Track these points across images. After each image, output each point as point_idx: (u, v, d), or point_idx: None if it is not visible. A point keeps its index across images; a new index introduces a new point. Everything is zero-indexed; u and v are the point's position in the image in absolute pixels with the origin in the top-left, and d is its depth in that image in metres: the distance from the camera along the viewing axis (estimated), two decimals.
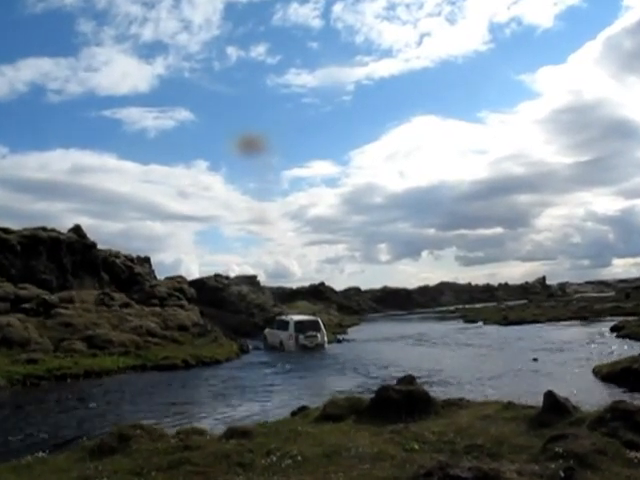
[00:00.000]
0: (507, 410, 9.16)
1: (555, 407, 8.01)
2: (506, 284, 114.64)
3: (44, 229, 37.23)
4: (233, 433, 8.78)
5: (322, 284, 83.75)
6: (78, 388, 20.05)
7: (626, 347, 23.76)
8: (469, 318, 55.28)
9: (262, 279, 60.02)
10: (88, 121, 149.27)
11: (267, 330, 34.70)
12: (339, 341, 37.61)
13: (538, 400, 8.70)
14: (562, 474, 5.30)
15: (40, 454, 8.47)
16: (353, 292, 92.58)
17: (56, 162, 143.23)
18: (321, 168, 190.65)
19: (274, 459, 7.27)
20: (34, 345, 25.11)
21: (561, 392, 8.90)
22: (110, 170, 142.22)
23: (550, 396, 8.17)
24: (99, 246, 40.69)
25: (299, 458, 7.24)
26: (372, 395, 10.76)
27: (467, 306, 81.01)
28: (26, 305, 29.63)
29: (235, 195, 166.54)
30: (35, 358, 23.10)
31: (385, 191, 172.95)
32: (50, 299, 30.74)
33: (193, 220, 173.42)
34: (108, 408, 16.26)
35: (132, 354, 26.44)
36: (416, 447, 7.67)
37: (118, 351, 26.45)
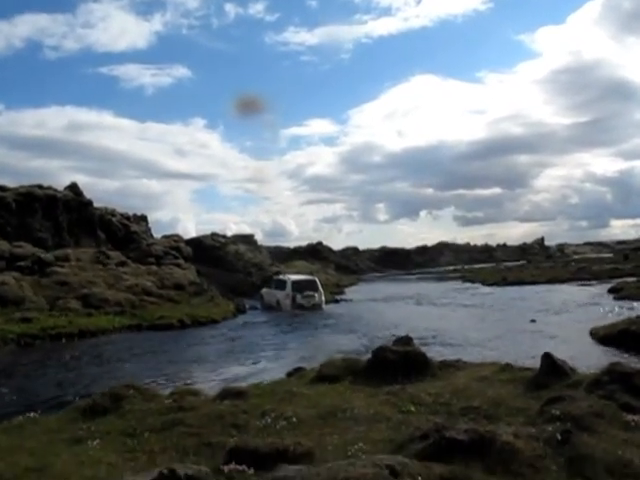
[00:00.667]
0: (504, 372, 9.11)
1: (552, 369, 7.94)
2: (504, 245, 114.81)
3: (40, 187, 36.69)
4: (227, 394, 8.71)
5: (320, 244, 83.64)
6: (73, 348, 19.98)
7: (624, 309, 23.72)
8: (468, 278, 55.30)
9: (259, 238, 59.92)
10: (85, 78, 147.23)
11: (264, 290, 34.62)
12: (337, 301, 37.58)
13: (535, 362, 8.65)
14: (559, 437, 5.20)
15: (32, 414, 8.40)
16: (351, 252, 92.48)
17: (52, 119, 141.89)
18: (319, 127, 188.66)
19: (269, 420, 7.21)
20: (29, 304, 24.92)
21: (559, 354, 8.83)
22: (107, 127, 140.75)
23: (547, 358, 8.09)
24: (95, 204, 40.22)
25: (294, 419, 7.18)
26: (369, 356, 10.71)
27: (466, 266, 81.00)
28: (21, 263, 29.35)
29: (232, 153, 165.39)
30: (29, 317, 22.89)
31: (383, 150, 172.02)
32: (45, 257, 30.44)
33: (190, 178, 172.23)
34: (103, 368, 16.21)
35: (128, 313, 26.30)
36: (412, 409, 7.62)
37: (114, 310, 26.33)
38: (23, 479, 5.61)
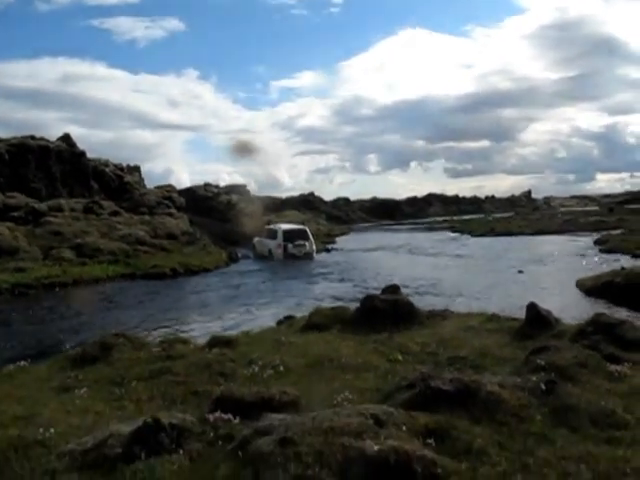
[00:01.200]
0: (491, 322, 9.15)
1: (538, 319, 7.97)
2: (493, 197, 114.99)
3: (33, 138, 36.21)
4: (216, 342, 8.73)
5: (312, 194, 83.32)
6: (66, 297, 20.00)
7: (609, 261, 23.82)
8: (457, 229, 55.32)
9: (252, 188, 59.35)
10: (77, 30, 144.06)
11: (256, 239, 34.55)
12: (328, 250, 37.60)
13: (522, 312, 8.66)
14: (543, 387, 5.22)
15: (22, 363, 8.40)
16: (342, 202, 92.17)
17: (45, 71, 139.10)
18: (310, 79, 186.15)
19: (256, 369, 7.23)
20: (23, 254, 24.93)
21: (545, 304, 8.87)
22: (100, 79, 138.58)
23: (533, 308, 8.10)
24: (89, 155, 39.90)
25: (281, 368, 7.20)
26: (358, 304, 10.72)
27: (455, 217, 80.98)
28: (15, 214, 29.27)
29: (225, 104, 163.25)
30: (24, 267, 22.94)
31: (374, 103, 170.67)
32: (39, 207, 30.32)
33: (183, 129, 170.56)
34: (95, 317, 16.23)
35: (121, 262, 26.33)
36: (399, 358, 7.64)
37: (107, 259, 26.35)
38: (11, 427, 5.58)
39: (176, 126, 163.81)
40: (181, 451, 4.57)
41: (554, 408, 4.97)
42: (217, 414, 5.12)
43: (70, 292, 21.12)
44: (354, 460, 4.00)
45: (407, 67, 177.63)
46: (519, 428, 4.74)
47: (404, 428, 4.52)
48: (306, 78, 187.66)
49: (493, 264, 26.02)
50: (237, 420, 5.08)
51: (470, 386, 5.13)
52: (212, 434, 4.86)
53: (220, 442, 4.73)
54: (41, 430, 5.17)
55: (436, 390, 5.22)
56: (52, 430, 5.26)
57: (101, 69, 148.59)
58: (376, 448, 4.04)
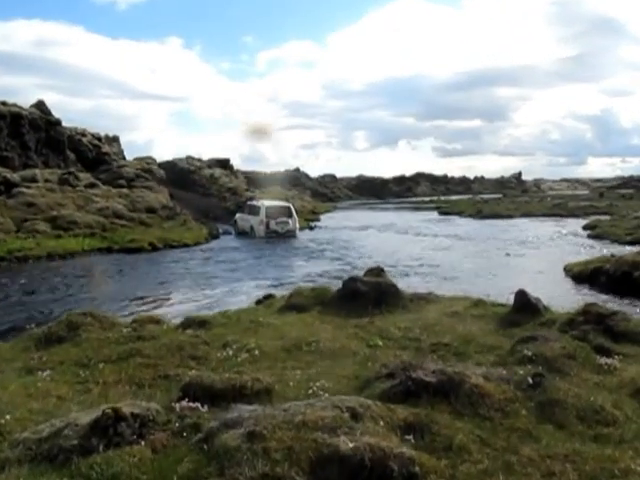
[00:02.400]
0: (476, 307, 8.91)
1: (526, 307, 7.74)
2: (482, 177, 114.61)
3: (4, 103, 34.64)
4: (190, 323, 8.43)
5: (297, 170, 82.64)
6: (39, 270, 19.49)
7: (598, 246, 23.71)
8: (444, 210, 55.06)
9: (236, 163, 58.47)
10: None
11: (238, 215, 34.10)
12: (311, 228, 37.27)
13: (508, 298, 8.43)
14: (530, 380, 4.99)
15: None
16: (328, 179, 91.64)
17: (19, 33, 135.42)
18: (298, 49, 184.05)
19: (230, 352, 6.94)
20: None
21: (531, 289, 8.64)
22: (77, 43, 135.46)
23: (521, 295, 7.87)
24: (66, 124, 38.56)
25: (256, 352, 6.91)
26: (339, 286, 10.45)
27: (442, 197, 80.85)
28: None
29: (210, 75, 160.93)
30: None
31: (364, 77, 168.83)
32: (12, 178, 29.27)
33: (165, 100, 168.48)
34: (67, 292, 15.79)
35: (98, 236, 25.76)
36: (380, 343, 7.39)
37: (83, 233, 25.71)
38: None
39: (158, 96, 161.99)
40: (143, 442, 4.28)
41: (540, 403, 4.76)
42: (184, 403, 4.83)
43: (43, 265, 20.58)
44: (327, 458, 3.73)
45: (399, 40, 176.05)
46: (503, 423, 4.53)
47: (382, 423, 4.26)
48: (294, 48, 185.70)
49: (480, 246, 25.82)
50: (205, 409, 4.80)
51: (453, 378, 4.88)
52: (178, 424, 4.56)
53: (186, 433, 4.45)
54: None
55: (417, 381, 4.97)
56: (9, 416, 4.94)
57: (79, 33, 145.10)
58: (351, 445, 3.78)
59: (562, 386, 4.97)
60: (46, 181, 30.68)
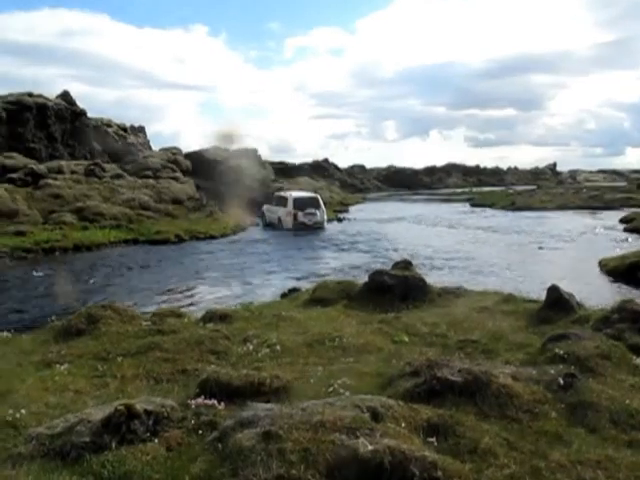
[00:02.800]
0: (507, 303, 8.61)
1: (558, 303, 7.44)
2: (515, 168, 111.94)
3: (30, 95, 34.81)
4: (212, 316, 8.32)
5: (326, 160, 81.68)
6: (66, 262, 19.65)
7: (635, 240, 23.00)
8: (476, 201, 54.09)
9: (264, 154, 57.98)
10: None
11: (265, 206, 33.96)
12: (340, 220, 36.98)
13: (540, 294, 8.13)
14: (561, 381, 4.74)
15: (5, 334, 8.02)
16: (358, 170, 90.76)
17: (44, 23, 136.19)
18: (326, 36, 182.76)
19: (250, 347, 6.81)
20: (22, 217, 24.37)
21: (564, 284, 8.35)
22: (103, 33, 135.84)
23: (554, 291, 7.56)
24: (92, 115, 38.76)
25: (277, 347, 6.76)
26: (366, 279, 10.24)
27: (474, 189, 79.56)
28: (13, 175, 28.37)
29: (236, 64, 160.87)
30: (23, 230, 22.46)
31: (394, 64, 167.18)
32: (38, 169, 29.41)
33: (192, 89, 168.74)
34: (93, 284, 15.86)
35: (124, 227, 25.83)
36: (406, 339, 7.18)
37: (109, 224, 25.83)
38: None
39: (184, 86, 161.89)
40: (157, 440, 4.16)
41: (571, 405, 4.52)
42: (200, 400, 4.70)
43: (70, 257, 20.76)
44: (344, 460, 3.55)
45: (430, 26, 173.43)
46: (532, 426, 4.31)
47: (404, 424, 4.07)
48: (322, 35, 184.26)
49: (512, 239, 25.31)
50: (222, 406, 4.67)
51: (480, 378, 4.66)
52: (193, 421, 4.45)
53: (201, 431, 4.33)
54: (11, 411, 4.78)
55: (442, 380, 4.76)
56: (24, 410, 4.88)
57: (103, 22, 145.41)
58: (370, 447, 3.59)
59: (595, 387, 4.73)
60: (72, 172, 30.77)
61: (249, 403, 4.45)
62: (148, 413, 4.25)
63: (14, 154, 30.63)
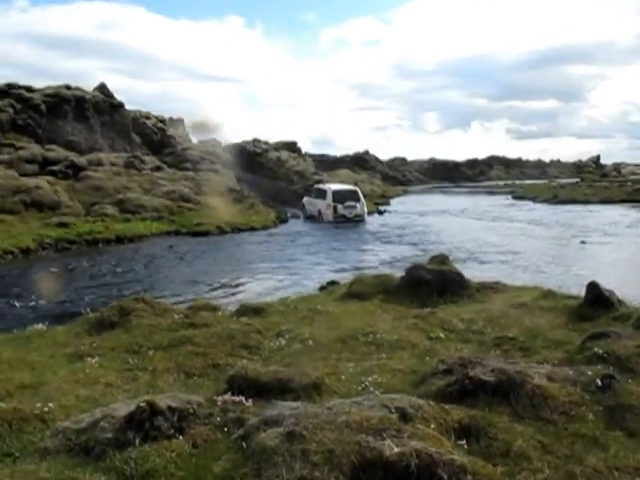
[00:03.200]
0: (546, 299, 8.34)
1: (598, 300, 7.14)
2: (558, 161, 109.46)
3: (68, 87, 35.03)
4: (246, 310, 8.29)
5: (366, 153, 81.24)
6: (108, 253, 19.98)
7: None
8: (518, 194, 53.26)
9: (305, 146, 57.99)
10: None
11: (306, 199, 33.97)
12: (380, 212, 36.78)
13: (581, 289, 7.84)
14: (599, 382, 4.52)
15: (40, 326, 8.14)
16: (399, 162, 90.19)
17: (81, 16, 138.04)
18: (362, 27, 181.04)
19: (282, 342, 6.76)
20: (65, 209, 24.77)
21: (607, 280, 8.09)
22: (140, 25, 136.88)
23: (593, 288, 7.26)
24: (133, 107, 39.29)
25: (310, 343, 6.69)
26: (403, 274, 10.09)
27: (517, 182, 78.18)
28: (54, 167, 28.68)
29: (273, 55, 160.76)
30: (66, 222, 22.87)
31: (434, 56, 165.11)
32: (79, 161, 29.73)
33: (230, 81, 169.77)
34: (137, 275, 16.11)
35: (165, 219, 26.22)
36: (441, 335, 7.03)
37: (151, 216, 26.20)
38: (15, 397, 5.27)
39: (222, 78, 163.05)
40: (182, 437, 4.11)
41: (609, 407, 4.31)
42: (227, 396, 4.63)
43: (113, 248, 21.14)
44: (370, 463, 3.43)
45: (469, 17, 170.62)
46: (567, 429, 4.10)
47: (433, 425, 3.92)
48: (357, 27, 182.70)
49: (554, 233, 24.76)
50: (249, 403, 4.59)
51: (514, 378, 4.47)
52: (220, 418, 4.37)
53: (228, 428, 4.25)
54: (39, 404, 4.80)
55: (475, 380, 4.58)
56: (53, 404, 4.90)
57: (140, 14, 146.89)
58: (396, 450, 3.46)
59: (635, 389, 4.50)
60: (112, 164, 31.00)
61: (274, 401, 4.37)
62: (172, 410, 4.20)
63: (54, 146, 30.95)
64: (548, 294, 8.55)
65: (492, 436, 3.91)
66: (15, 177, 25.83)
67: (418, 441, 3.58)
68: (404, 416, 3.98)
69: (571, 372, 4.74)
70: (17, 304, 12.59)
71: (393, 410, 4.01)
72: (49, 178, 27.19)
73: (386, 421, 3.84)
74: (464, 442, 3.81)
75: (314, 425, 3.75)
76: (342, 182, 39.76)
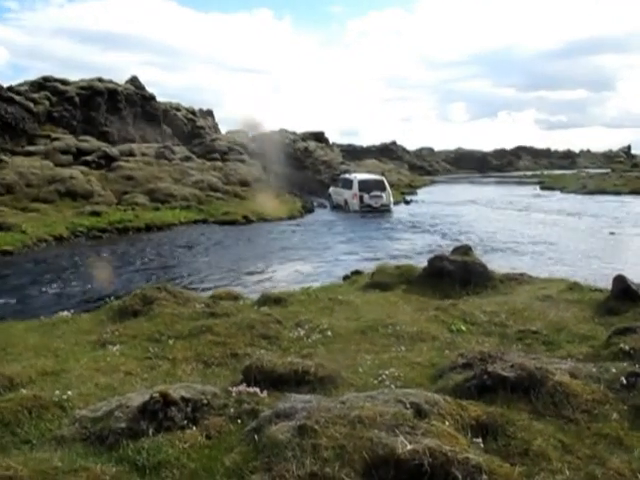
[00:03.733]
0: (571, 291, 8.15)
1: (625, 294, 6.94)
2: (588, 151, 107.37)
3: (100, 80, 36.06)
4: (267, 300, 8.26)
5: (393, 143, 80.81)
6: (138, 241, 20.23)
7: None
8: (546, 185, 52.40)
9: (333, 136, 57.85)
10: None
11: (332, 188, 33.89)
12: (407, 202, 36.52)
13: (608, 282, 7.63)
14: (624, 380, 4.37)
15: (65, 313, 8.22)
16: (426, 152, 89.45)
17: (115, 11, 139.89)
18: (387, 18, 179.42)
19: (302, 332, 6.72)
20: (97, 198, 25.34)
21: (635, 274, 7.82)
22: (171, 18, 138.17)
23: (620, 281, 7.06)
24: (163, 99, 40.17)
25: (329, 333, 6.64)
26: (425, 264, 9.98)
27: (545, 172, 76.92)
28: (87, 158, 29.42)
29: (302, 47, 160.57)
30: (98, 211, 23.42)
31: (460, 46, 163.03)
32: (111, 152, 30.44)
33: (259, 73, 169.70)
34: (164, 263, 16.24)
35: (194, 208, 26.54)
36: (463, 328, 6.91)
37: (180, 205, 26.58)
38: (37, 383, 5.33)
39: (251, 70, 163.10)
40: (196, 427, 4.10)
41: (635, 406, 4.15)
42: (242, 387, 4.61)
43: (142, 237, 21.38)
44: (382, 460, 3.36)
45: (496, 6, 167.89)
46: (590, 428, 3.95)
47: (449, 422, 3.82)
48: (382, 18, 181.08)
49: (582, 224, 24.27)
50: (264, 394, 4.56)
51: (534, 374, 4.35)
52: (234, 409, 4.35)
53: (242, 419, 4.22)
54: (58, 392, 4.83)
55: (494, 375, 4.47)
56: (72, 391, 4.93)
57: (171, 7, 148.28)
58: (409, 447, 3.38)
59: None
60: (143, 155, 31.62)
61: (287, 394, 4.32)
62: (186, 400, 4.19)
63: (88, 137, 31.74)
64: (574, 286, 8.35)
65: (510, 434, 3.79)
66: (50, 167, 26.54)
67: (432, 438, 3.50)
68: (419, 412, 3.90)
69: (595, 369, 4.60)
70: (48, 290, 12.81)
71: (408, 405, 3.93)
72: (83, 168, 27.85)
73: (400, 417, 3.76)
74: (480, 440, 3.70)
75: (326, 419, 3.69)
76: (369, 172, 39.55)
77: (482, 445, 3.66)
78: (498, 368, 4.53)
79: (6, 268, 15.20)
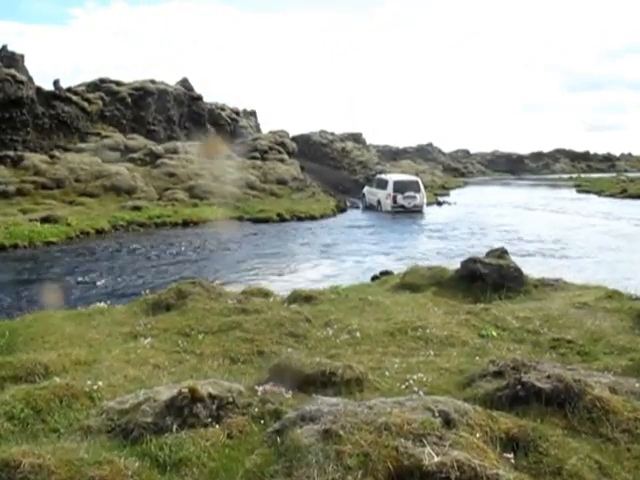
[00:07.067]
0: (610, 299, 7.82)
1: None
2: (629, 154, 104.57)
3: (153, 82, 37.67)
4: (297, 297, 8.20)
5: (429, 144, 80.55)
6: (174, 236, 20.67)
7: None
8: (583, 188, 51.24)
9: (370, 138, 57.80)
10: None
11: (366, 188, 33.77)
12: (440, 203, 36.21)
13: None
14: None
15: (102, 304, 8.32)
16: (461, 154, 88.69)
17: (169, 15, 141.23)
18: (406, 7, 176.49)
19: (330, 332, 6.64)
20: (140, 193, 26.33)
21: None
22: (221, 21, 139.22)
23: None
24: (210, 100, 41.88)
25: (357, 334, 6.55)
26: (458, 266, 9.78)
27: (583, 175, 75.25)
28: (134, 155, 30.72)
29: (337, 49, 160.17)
30: (139, 205, 24.34)
31: (497, 43, 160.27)
32: (156, 149, 31.53)
33: (298, 75, 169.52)
34: (192, 257, 16.37)
35: (230, 205, 26.95)
36: (494, 334, 6.73)
37: (217, 202, 27.10)
38: (69, 373, 5.37)
39: (294, 72, 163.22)
40: (219, 426, 4.04)
41: None
42: (267, 386, 4.54)
43: (179, 232, 21.84)
44: (407, 471, 3.25)
45: (537, 5, 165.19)
46: (630, 449, 3.69)
47: (479, 434, 3.67)
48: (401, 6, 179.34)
49: (620, 229, 23.61)
50: (289, 394, 4.48)
51: (572, 387, 4.17)
52: (258, 409, 4.28)
53: (265, 420, 4.14)
54: (89, 382, 4.85)
55: (528, 386, 4.31)
56: (102, 382, 4.94)
57: (216, 6, 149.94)
58: (436, 459, 3.26)
59: None
60: (186, 153, 32.50)
61: (314, 395, 4.24)
62: (212, 397, 4.14)
63: (135, 135, 33.40)
64: (613, 294, 8.01)
65: (543, 451, 3.58)
66: (98, 163, 27.90)
67: (461, 451, 3.38)
68: (448, 421, 3.77)
69: (638, 384, 4.40)
70: (85, 280, 13.03)
71: (436, 414, 3.80)
72: (129, 165, 29.04)
73: (428, 426, 3.63)
74: (511, 455, 3.53)
75: (352, 425, 3.59)
76: (404, 172, 39.38)
77: (512, 461, 3.50)
78: (533, 378, 4.36)
79: (48, 259, 15.69)
